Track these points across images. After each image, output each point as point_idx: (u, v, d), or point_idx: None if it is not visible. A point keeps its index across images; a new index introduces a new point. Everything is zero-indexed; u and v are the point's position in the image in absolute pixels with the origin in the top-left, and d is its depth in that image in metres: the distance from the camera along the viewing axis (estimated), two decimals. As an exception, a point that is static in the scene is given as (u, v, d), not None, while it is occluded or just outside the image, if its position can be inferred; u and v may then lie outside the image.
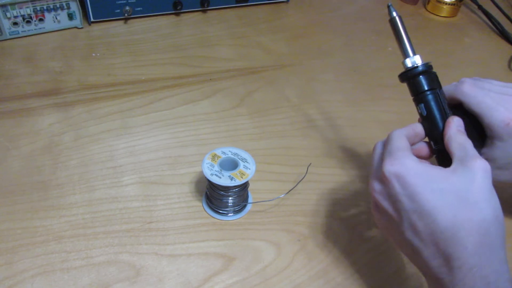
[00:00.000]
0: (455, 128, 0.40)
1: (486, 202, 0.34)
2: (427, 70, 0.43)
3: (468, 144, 0.38)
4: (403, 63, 0.44)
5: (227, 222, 0.51)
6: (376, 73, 0.77)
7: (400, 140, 0.39)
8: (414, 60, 0.43)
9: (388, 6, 0.45)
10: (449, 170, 0.36)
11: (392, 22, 0.45)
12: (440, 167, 0.37)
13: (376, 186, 0.39)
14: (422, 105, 0.42)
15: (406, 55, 0.43)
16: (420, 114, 0.43)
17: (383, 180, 0.38)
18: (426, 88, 0.42)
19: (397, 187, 0.36)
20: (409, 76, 0.43)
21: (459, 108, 0.44)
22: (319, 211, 0.53)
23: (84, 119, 0.62)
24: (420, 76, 0.42)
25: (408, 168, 0.36)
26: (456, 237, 0.34)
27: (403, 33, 0.44)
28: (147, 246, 0.48)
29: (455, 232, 0.34)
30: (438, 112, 0.42)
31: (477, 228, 0.34)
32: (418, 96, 0.43)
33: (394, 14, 0.44)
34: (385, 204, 0.38)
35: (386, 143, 0.41)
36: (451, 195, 0.35)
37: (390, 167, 0.37)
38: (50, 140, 0.58)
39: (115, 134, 0.60)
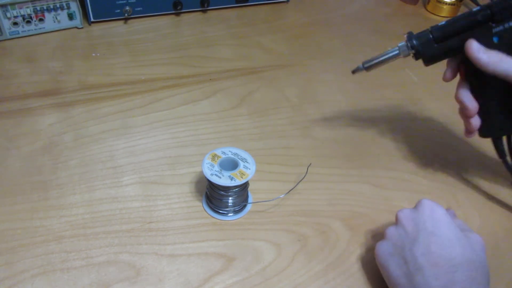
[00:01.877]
0: None
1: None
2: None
3: None
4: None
5: (227, 222, 0.51)
6: (376, 73, 0.77)
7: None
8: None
9: (354, 72, 0.55)
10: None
11: (371, 67, 0.53)
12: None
13: (407, 211, 0.44)
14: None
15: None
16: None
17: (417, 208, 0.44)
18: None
19: (426, 212, 0.42)
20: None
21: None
22: (319, 211, 0.53)
23: (84, 119, 0.62)
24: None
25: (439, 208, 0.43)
26: (457, 267, 0.39)
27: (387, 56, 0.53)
28: (147, 246, 0.48)
29: (457, 263, 0.39)
30: None
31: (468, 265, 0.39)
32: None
33: (361, 66, 0.54)
34: (408, 223, 0.43)
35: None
36: (462, 240, 0.41)
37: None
38: (50, 140, 0.58)
39: (115, 134, 0.60)
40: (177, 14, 0.86)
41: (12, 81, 0.67)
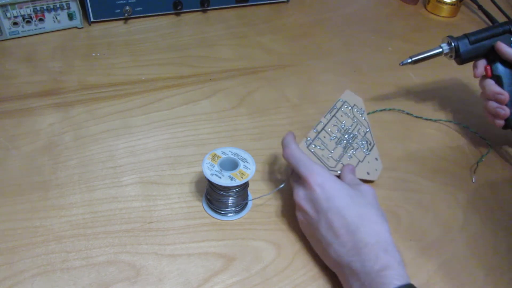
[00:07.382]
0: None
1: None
2: None
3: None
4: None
5: (227, 222, 0.51)
6: (376, 73, 0.77)
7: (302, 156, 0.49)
8: None
9: (402, 64, 0.63)
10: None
11: (417, 61, 0.63)
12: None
13: (301, 192, 0.47)
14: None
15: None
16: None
17: (308, 187, 0.46)
18: None
19: (318, 192, 0.45)
20: None
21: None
22: (319, 211, 0.53)
23: (84, 119, 0.62)
24: None
25: (327, 179, 0.46)
26: (361, 225, 0.43)
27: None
28: (147, 246, 0.48)
29: (360, 222, 0.43)
30: None
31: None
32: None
33: (409, 59, 0.64)
34: (308, 206, 0.46)
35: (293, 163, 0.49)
36: (355, 198, 0.45)
37: (316, 178, 0.46)
38: (50, 140, 0.58)
39: (115, 134, 0.60)
40: (177, 14, 0.86)
41: (12, 81, 0.67)
